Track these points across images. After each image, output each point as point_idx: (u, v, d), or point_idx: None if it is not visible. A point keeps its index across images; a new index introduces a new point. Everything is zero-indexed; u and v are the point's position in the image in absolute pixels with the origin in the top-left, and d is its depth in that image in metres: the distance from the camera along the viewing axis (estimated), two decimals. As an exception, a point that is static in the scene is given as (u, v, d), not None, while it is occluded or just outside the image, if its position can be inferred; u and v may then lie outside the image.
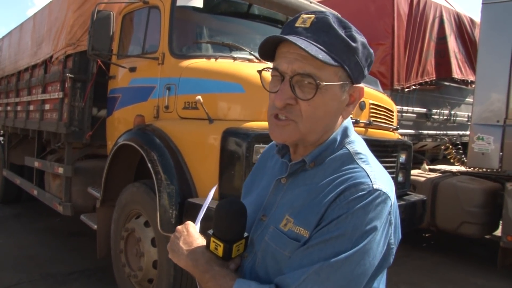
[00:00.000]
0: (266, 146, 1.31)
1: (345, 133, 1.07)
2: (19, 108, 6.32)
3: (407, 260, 5.30)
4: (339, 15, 1.03)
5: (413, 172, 5.54)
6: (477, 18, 6.73)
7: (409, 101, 5.98)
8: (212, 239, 1.04)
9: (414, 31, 5.87)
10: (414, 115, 6.04)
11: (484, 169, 5.53)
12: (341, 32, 0.98)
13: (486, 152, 4.98)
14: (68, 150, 4.62)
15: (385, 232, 0.96)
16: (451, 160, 6.32)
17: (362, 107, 3.38)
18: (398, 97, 5.70)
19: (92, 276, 4.33)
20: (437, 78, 6.24)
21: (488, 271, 5.05)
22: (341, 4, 5.67)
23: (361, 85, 1.06)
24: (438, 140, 6.52)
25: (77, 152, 4.84)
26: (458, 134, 6.87)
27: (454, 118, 6.74)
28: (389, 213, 0.97)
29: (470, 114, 6.62)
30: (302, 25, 1.00)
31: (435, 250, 5.98)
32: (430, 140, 6.46)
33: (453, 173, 5.84)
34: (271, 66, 1.04)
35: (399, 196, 3.84)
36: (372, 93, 3.62)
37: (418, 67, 5.94)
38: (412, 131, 6.01)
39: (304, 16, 1.01)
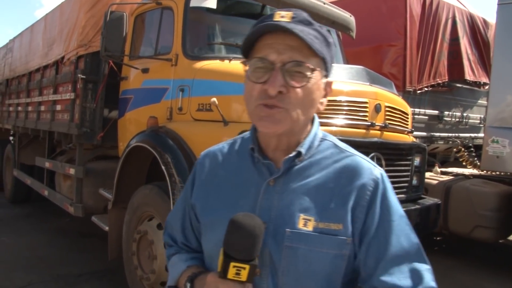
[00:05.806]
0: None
1: (318, 128, 1.13)
2: (30, 108, 6.33)
3: (419, 264, 5.23)
4: None
5: (425, 175, 5.46)
6: (490, 19, 6.65)
7: (421, 103, 5.91)
8: (232, 264, 0.89)
9: (426, 32, 5.79)
10: (426, 117, 5.97)
11: (498, 172, 5.45)
12: (318, 27, 1.02)
13: (501, 155, 4.90)
14: (79, 151, 4.62)
15: None
16: (463, 163, 6.23)
17: (377, 109, 3.32)
18: (410, 99, 5.62)
19: (103, 277, 4.31)
20: (450, 80, 6.16)
21: (502, 276, 4.98)
22: (352, 4, 5.61)
23: (331, 79, 1.10)
24: (450, 142, 6.45)
25: (88, 153, 4.83)
26: (470, 136, 6.79)
27: (466, 120, 6.65)
28: None
29: (482, 116, 6.54)
30: (283, 19, 0.99)
31: (447, 254, 5.90)
32: (442, 142, 6.38)
33: (466, 176, 5.76)
34: (259, 56, 1.00)
35: (413, 200, 3.78)
36: (388, 96, 3.56)
37: (430, 69, 5.87)
38: (424, 133, 5.94)
39: (282, 12, 1.01)
